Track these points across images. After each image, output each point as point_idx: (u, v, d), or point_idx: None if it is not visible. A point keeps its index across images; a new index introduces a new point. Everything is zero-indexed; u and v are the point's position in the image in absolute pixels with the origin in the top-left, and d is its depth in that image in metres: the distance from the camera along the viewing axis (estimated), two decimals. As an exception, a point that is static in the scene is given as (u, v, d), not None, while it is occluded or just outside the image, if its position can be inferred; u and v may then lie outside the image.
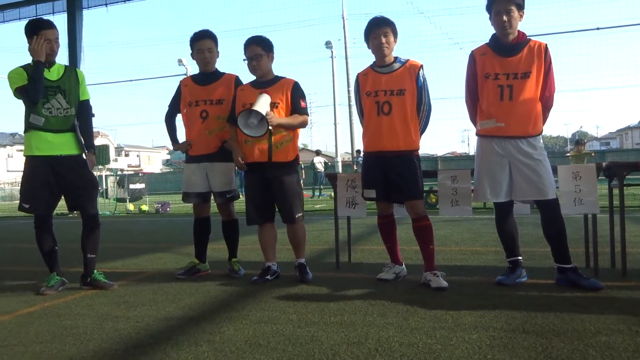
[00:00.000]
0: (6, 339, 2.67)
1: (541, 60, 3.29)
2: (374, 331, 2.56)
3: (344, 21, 27.84)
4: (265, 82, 3.85)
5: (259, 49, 3.80)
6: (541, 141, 3.37)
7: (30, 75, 3.59)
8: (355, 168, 21.85)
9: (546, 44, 3.32)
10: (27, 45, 3.64)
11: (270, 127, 3.61)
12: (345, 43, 28.00)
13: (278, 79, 3.89)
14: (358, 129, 27.73)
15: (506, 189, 3.37)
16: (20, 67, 3.67)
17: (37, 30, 3.63)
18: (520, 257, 3.56)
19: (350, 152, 29.94)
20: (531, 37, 3.35)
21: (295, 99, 3.81)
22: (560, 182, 3.56)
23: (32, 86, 3.58)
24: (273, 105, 3.72)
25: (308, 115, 3.92)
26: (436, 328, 2.58)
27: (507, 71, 3.31)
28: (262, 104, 3.61)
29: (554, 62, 3.35)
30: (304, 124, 3.89)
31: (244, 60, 3.85)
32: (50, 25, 3.72)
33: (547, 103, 3.38)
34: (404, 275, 3.81)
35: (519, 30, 3.35)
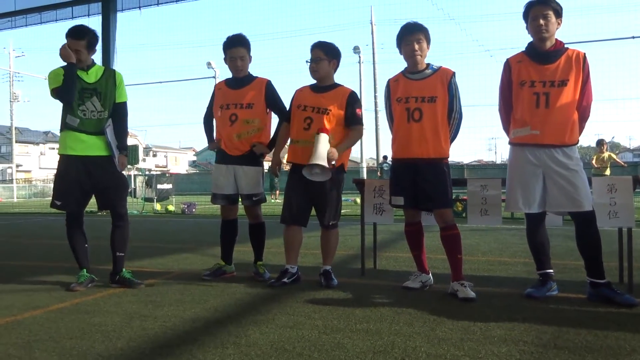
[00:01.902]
0: (38, 333, 2.73)
1: (579, 69, 3.22)
2: (400, 340, 2.53)
3: (372, 27, 27.86)
4: (323, 87, 3.88)
5: (321, 52, 3.84)
6: (577, 152, 3.28)
7: (63, 77, 3.68)
8: (379, 174, 21.76)
9: (584, 53, 3.24)
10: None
11: (334, 163, 3.65)
12: (373, 48, 28.04)
13: (336, 86, 3.91)
14: (384, 135, 27.63)
15: (539, 200, 3.29)
16: (60, 67, 3.75)
17: (66, 36, 3.73)
18: (551, 271, 3.47)
19: (375, 157, 29.84)
20: (568, 47, 3.28)
21: (351, 108, 3.83)
22: (594, 194, 3.46)
23: (63, 88, 3.67)
24: (324, 112, 3.75)
25: (362, 124, 3.93)
26: (464, 339, 2.53)
27: (544, 79, 3.24)
28: (322, 150, 3.58)
29: (588, 71, 3.27)
30: (359, 137, 3.94)
31: (307, 62, 3.89)
32: (75, 35, 3.73)
33: (584, 113, 3.30)
34: (431, 285, 3.76)
35: (556, 39, 3.28)
